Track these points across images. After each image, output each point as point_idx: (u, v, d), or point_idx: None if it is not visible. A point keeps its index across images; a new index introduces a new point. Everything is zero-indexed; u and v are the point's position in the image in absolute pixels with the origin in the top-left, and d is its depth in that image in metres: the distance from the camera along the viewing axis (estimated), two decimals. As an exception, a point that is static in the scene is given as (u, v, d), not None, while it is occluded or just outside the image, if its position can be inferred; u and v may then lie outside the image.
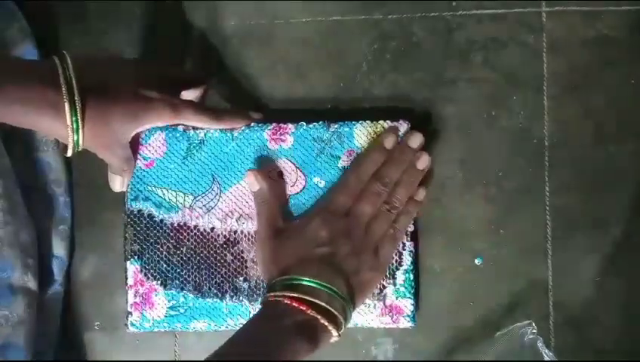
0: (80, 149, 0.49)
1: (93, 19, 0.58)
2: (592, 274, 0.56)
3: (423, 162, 0.53)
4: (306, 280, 0.47)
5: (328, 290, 0.47)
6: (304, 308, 0.45)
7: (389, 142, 0.53)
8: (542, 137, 0.57)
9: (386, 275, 0.54)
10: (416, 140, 0.53)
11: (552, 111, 0.57)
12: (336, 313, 0.46)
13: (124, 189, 0.55)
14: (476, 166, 0.57)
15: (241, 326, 0.46)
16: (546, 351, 0.53)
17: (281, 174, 0.54)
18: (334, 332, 0.46)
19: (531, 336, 0.54)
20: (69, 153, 0.49)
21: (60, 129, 0.47)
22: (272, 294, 0.47)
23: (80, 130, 0.47)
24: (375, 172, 0.52)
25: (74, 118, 0.46)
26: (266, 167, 0.54)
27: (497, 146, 0.57)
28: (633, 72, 0.56)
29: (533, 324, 0.54)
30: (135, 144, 0.54)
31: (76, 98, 0.46)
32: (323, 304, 0.46)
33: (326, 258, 0.48)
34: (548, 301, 0.56)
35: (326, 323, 0.46)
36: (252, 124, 0.55)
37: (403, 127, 0.55)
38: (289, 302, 0.46)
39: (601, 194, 0.56)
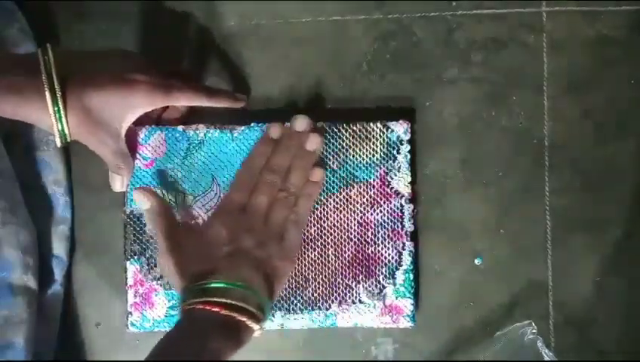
0: (69, 139, 0.49)
1: (93, 20, 0.58)
2: (592, 274, 0.56)
3: (312, 143, 0.53)
4: (214, 283, 0.46)
5: (238, 287, 0.46)
6: (217, 309, 0.45)
7: (275, 132, 0.53)
8: (542, 137, 0.57)
9: (385, 275, 0.54)
10: (301, 123, 0.53)
11: (552, 111, 0.57)
12: (250, 307, 0.46)
13: (125, 189, 0.55)
14: (476, 166, 0.57)
15: (161, 338, 0.46)
16: (546, 351, 0.53)
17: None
18: (254, 326, 0.46)
19: (531, 336, 0.54)
20: (58, 143, 0.49)
21: (45, 118, 0.48)
22: (185, 303, 0.46)
23: (63, 118, 0.48)
24: (265, 163, 0.52)
25: (55, 107, 0.47)
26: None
27: (497, 146, 0.57)
28: (633, 72, 0.56)
29: (533, 324, 0.54)
30: (134, 144, 0.54)
31: (56, 86, 0.47)
32: (234, 302, 0.46)
33: (231, 256, 0.48)
34: (548, 301, 0.56)
35: (243, 319, 0.46)
36: (252, 124, 0.55)
37: (403, 127, 0.55)
38: (202, 307, 0.45)
39: (601, 194, 0.56)
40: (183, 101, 0.53)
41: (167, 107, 0.56)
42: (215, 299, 0.46)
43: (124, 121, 0.51)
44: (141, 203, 0.51)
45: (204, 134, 0.55)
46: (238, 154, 0.55)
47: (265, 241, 0.50)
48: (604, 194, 0.56)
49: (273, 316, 0.54)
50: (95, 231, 0.58)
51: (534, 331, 0.53)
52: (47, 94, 0.47)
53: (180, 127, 0.55)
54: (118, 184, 0.54)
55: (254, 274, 0.48)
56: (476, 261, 0.57)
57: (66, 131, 0.49)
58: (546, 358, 0.53)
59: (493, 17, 0.57)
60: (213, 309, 0.45)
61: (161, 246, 0.50)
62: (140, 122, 0.54)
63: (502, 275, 0.56)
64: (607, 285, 0.56)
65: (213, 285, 0.46)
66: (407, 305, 0.54)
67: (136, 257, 0.55)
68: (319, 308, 0.54)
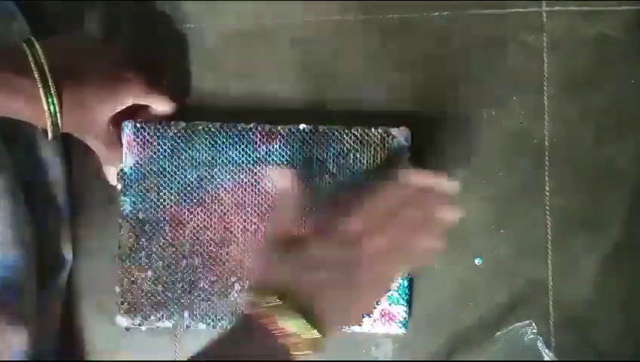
0: (60, 132, 0.50)
1: (92, 20, 0.58)
2: (592, 274, 0.56)
3: (450, 215, 0.47)
4: (285, 308, 0.41)
5: (304, 323, 0.41)
6: (280, 333, 0.41)
7: (417, 182, 0.47)
8: (542, 137, 0.57)
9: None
10: (449, 187, 0.48)
11: (552, 111, 0.57)
12: (311, 337, 0.41)
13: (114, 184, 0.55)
14: (476, 166, 0.57)
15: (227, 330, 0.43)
16: (546, 351, 0.53)
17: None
18: (305, 353, 0.42)
19: (531, 336, 0.54)
20: (50, 137, 0.50)
21: (37, 114, 0.48)
22: (256, 309, 0.42)
23: (58, 114, 0.48)
24: (395, 210, 0.46)
25: (52, 105, 0.48)
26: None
27: (497, 146, 0.57)
28: (633, 72, 0.56)
29: (533, 324, 0.54)
30: (119, 135, 0.55)
31: (50, 84, 0.47)
32: (299, 334, 0.41)
33: (313, 289, 0.43)
34: (548, 301, 0.56)
35: (296, 350, 0.42)
36: (251, 124, 0.55)
37: (404, 133, 0.55)
38: (268, 322, 0.41)
39: (601, 194, 0.56)
40: (160, 104, 0.54)
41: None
42: (284, 324, 0.41)
43: (110, 111, 0.52)
44: (283, 182, 0.47)
45: (193, 133, 0.55)
46: (225, 154, 0.55)
47: (351, 291, 0.44)
48: (604, 194, 0.56)
49: None
50: (95, 231, 0.58)
51: (534, 331, 0.53)
52: (42, 91, 0.47)
53: (173, 128, 0.55)
54: (114, 176, 0.55)
55: (318, 316, 0.42)
56: (476, 261, 0.57)
57: (60, 125, 0.49)
58: (546, 358, 0.53)
59: (493, 17, 0.57)
60: (268, 322, 0.41)
61: (267, 237, 0.48)
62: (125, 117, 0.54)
63: (502, 275, 0.56)
64: (607, 285, 0.56)
65: (285, 309, 0.42)
66: (400, 311, 0.54)
67: (132, 255, 0.55)
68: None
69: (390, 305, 0.54)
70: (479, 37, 0.57)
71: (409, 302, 0.55)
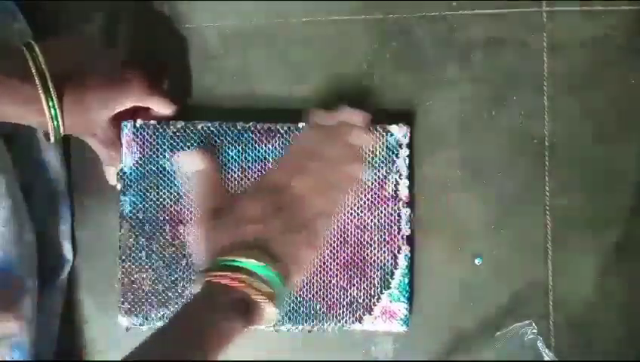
0: (62, 135, 0.50)
1: (92, 20, 0.58)
2: (592, 274, 0.56)
3: (361, 138, 0.51)
4: (236, 261, 0.45)
5: (258, 268, 0.45)
6: (235, 285, 0.44)
7: (327, 121, 0.52)
8: (542, 137, 0.57)
9: (380, 278, 0.54)
10: (356, 118, 0.52)
11: (552, 111, 0.57)
12: (267, 289, 0.45)
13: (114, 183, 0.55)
14: (476, 166, 0.57)
15: (178, 309, 0.45)
16: (546, 351, 0.53)
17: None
18: (267, 309, 0.45)
19: (531, 336, 0.53)
20: (52, 140, 0.50)
21: (39, 118, 0.48)
22: (205, 275, 0.45)
23: (59, 117, 0.49)
24: (312, 149, 0.50)
25: (52, 108, 0.48)
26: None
27: (497, 146, 0.57)
28: (633, 72, 0.56)
29: (534, 324, 0.54)
30: (118, 135, 0.55)
31: (50, 88, 0.47)
32: (253, 280, 0.44)
33: (259, 235, 0.46)
34: (548, 301, 0.56)
35: (259, 299, 0.45)
36: (250, 123, 0.55)
37: (402, 131, 0.55)
38: (220, 281, 0.44)
39: (601, 194, 0.56)
40: (160, 106, 0.54)
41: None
42: (235, 275, 0.44)
43: (110, 112, 0.52)
44: (195, 163, 0.49)
45: (192, 132, 0.55)
46: (225, 153, 0.55)
47: (293, 225, 0.48)
48: (604, 194, 0.56)
49: None
50: (95, 231, 0.58)
51: (534, 331, 0.53)
52: (42, 96, 0.47)
53: (172, 128, 0.55)
54: (113, 176, 0.55)
55: (276, 257, 0.46)
56: (476, 261, 0.57)
57: (61, 128, 0.49)
58: (546, 358, 0.53)
59: (493, 17, 0.57)
60: (232, 284, 0.44)
61: (200, 211, 0.49)
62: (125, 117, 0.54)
63: (502, 275, 0.56)
64: (607, 285, 0.56)
65: (234, 263, 0.45)
66: (401, 309, 0.54)
67: (132, 255, 0.55)
68: (312, 309, 0.54)
69: (391, 302, 0.54)
70: (479, 37, 0.57)
71: (410, 300, 0.55)
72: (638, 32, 0.56)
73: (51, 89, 0.47)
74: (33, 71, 0.47)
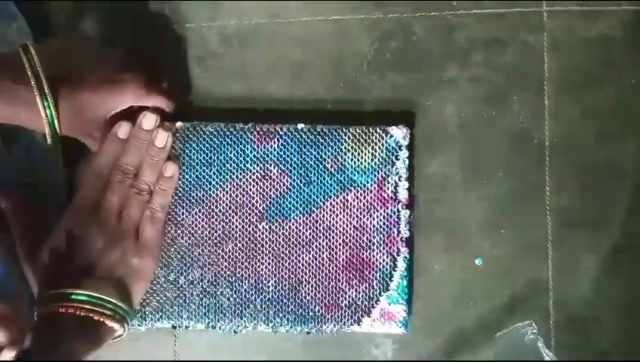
0: (59, 136, 0.50)
1: (92, 20, 0.58)
2: (592, 274, 0.56)
3: (161, 140, 0.53)
4: (68, 293, 0.47)
5: (90, 298, 0.48)
6: (72, 311, 0.47)
7: (123, 132, 0.52)
8: (542, 137, 0.57)
9: (379, 280, 0.54)
10: (149, 122, 0.53)
11: (552, 111, 0.57)
12: (106, 311, 0.48)
13: None
14: (476, 166, 0.57)
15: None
16: (546, 351, 0.53)
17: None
18: (115, 326, 0.48)
19: (531, 336, 0.54)
20: (49, 142, 0.49)
21: (35, 120, 0.48)
22: (42, 308, 0.48)
23: (55, 120, 0.48)
24: (116, 162, 0.52)
25: (47, 109, 0.48)
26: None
27: (497, 146, 0.57)
28: (633, 72, 0.56)
29: (534, 324, 0.54)
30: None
31: (46, 90, 0.47)
32: (95, 309, 0.48)
33: (85, 258, 0.49)
34: (548, 301, 0.56)
35: (101, 319, 0.48)
36: (239, 124, 0.55)
37: (402, 132, 0.55)
38: (58, 310, 0.47)
39: (601, 194, 0.56)
40: (159, 103, 0.54)
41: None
42: (72, 305, 0.47)
43: (109, 114, 0.52)
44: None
45: (189, 131, 0.55)
46: (223, 153, 0.55)
47: (118, 240, 0.50)
48: (604, 194, 0.56)
49: (267, 317, 0.54)
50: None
51: (534, 331, 0.54)
52: (38, 98, 0.47)
53: (179, 123, 0.55)
54: None
55: (108, 279, 0.49)
56: (476, 261, 0.57)
57: (58, 130, 0.49)
58: (547, 358, 0.53)
59: (493, 17, 0.57)
60: (69, 311, 0.47)
61: (19, 248, 0.51)
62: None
63: (502, 275, 0.56)
64: (607, 285, 0.56)
65: (73, 296, 0.47)
66: (400, 311, 0.54)
67: None
68: (311, 310, 0.54)
69: (390, 304, 0.54)
70: (479, 37, 0.57)
71: (409, 302, 0.55)
72: (638, 32, 0.56)
73: (47, 91, 0.47)
74: (29, 73, 0.47)
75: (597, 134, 0.56)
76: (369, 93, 0.57)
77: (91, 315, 0.47)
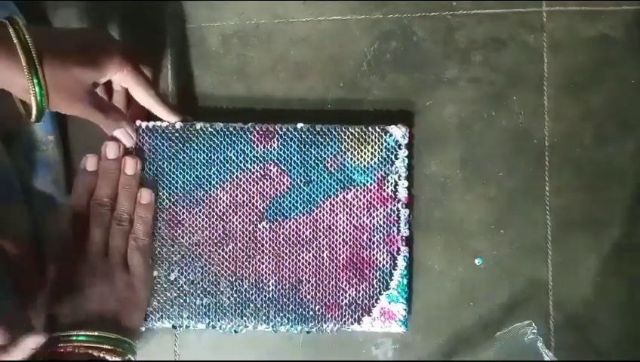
0: (49, 107, 0.48)
1: (92, 20, 0.58)
2: (592, 274, 0.56)
3: (130, 167, 0.53)
4: (73, 336, 0.49)
5: (93, 338, 0.49)
6: (71, 350, 0.48)
7: (90, 164, 0.53)
8: (542, 137, 0.57)
9: (379, 279, 0.54)
10: (111, 151, 0.53)
11: (552, 111, 0.57)
12: (105, 346, 0.49)
13: (134, 142, 0.54)
14: (476, 166, 0.57)
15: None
16: (546, 351, 0.53)
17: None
18: (117, 359, 0.49)
19: (531, 336, 0.54)
20: (34, 117, 0.48)
21: (23, 86, 0.46)
22: (50, 348, 0.48)
23: (44, 96, 0.47)
24: (89, 196, 0.53)
25: (37, 87, 0.46)
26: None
27: (497, 146, 0.57)
28: (633, 72, 0.56)
29: (534, 324, 0.54)
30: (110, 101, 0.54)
31: (35, 57, 0.45)
32: (95, 346, 0.49)
33: (79, 297, 0.50)
34: (548, 301, 0.56)
35: (101, 355, 0.49)
36: (249, 124, 0.55)
37: (401, 131, 0.55)
38: (62, 351, 0.48)
39: (601, 194, 0.56)
40: (140, 91, 0.53)
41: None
42: (72, 345, 0.48)
43: (98, 79, 0.50)
44: None
45: (190, 132, 0.55)
46: (223, 154, 0.55)
47: (109, 274, 0.51)
48: (604, 194, 0.56)
49: (267, 316, 0.54)
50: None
51: (534, 331, 0.53)
52: (25, 67, 0.45)
53: (164, 123, 0.55)
54: (126, 138, 0.54)
55: (104, 314, 0.50)
56: (476, 261, 0.57)
57: (44, 105, 0.47)
58: (546, 358, 0.53)
59: (493, 17, 0.57)
60: (68, 350, 0.48)
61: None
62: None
63: (502, 275, 0.56)
64: (607, 285, 0.56)
65: (69, 337, 0.48)
66: (400, 310, 0.54)
67: None
68: (311, 309, 0.54)
69: (390, 303, 0.54)
70: (479, 37, 0.57)
71: (408, 301, 0.55)
72: (638, 32, 0.56)
73: (35, 59, 0.46)
74: (17, 45, 0.45)
75: (597, 134, 0.56)
76: (369, 93, 0.57)
77: (90, 352, 0.48)
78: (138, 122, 0.55)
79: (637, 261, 0.56)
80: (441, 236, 0.57)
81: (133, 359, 0.51)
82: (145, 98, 0.53)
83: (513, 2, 0.57)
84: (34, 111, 0.47)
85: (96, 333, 0.49)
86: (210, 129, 0.55)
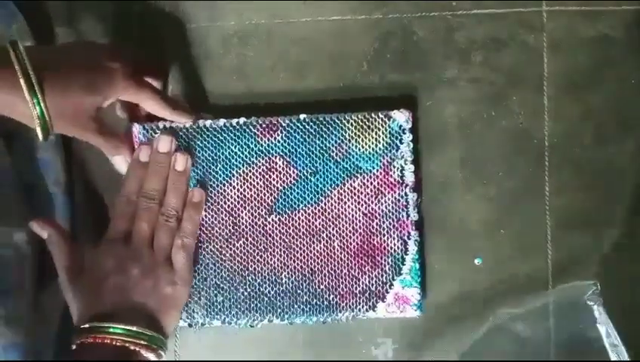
0: (52, 132, 0.48)
1: (92, 20, 0.58)
2: (592, 274, 0.56)
3: (180, 163, 0.53)
4: (110, 327, 0.48)
5: (125, 331, 0.48)
6: (109, 342, 0.47)
7: (144, 156, 0.54)
8: (542, 137, 0.57)
9: (391, 265, 0.54)
10: (164, 144, 0.54)
11: (552, 111, 0.57)
12: (141, 341, 0.48)
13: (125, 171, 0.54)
14: (476, 166, 0.57)
15: None
16: (602, 313, 0.52)
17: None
18: (150, 356, 0.49)
19: (591, 297, 0.52)
20: (41, 138, 0.48)
21: (26, 113, 0.46)
22: (79, 338, 0.48)
23: (45, 116, 0.47)
24: (140, 188, 0.53)
25: (37, 107, 0.46)
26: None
27: (497, 146, 0.57)
28: (633, 72, 0.56)
29: (598, 285, 0.53)
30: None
31: (35, 86, 0.45)
32: (131, 339, 0.48)
33: (119, 288, 0.50)
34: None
35: (137, 349, 0.48)
36: (242, 119, 0.55)
37: (404, 115, 0.54)
38: (94, 341, 0.47)
39: (601, 194, 0.56)
40: (149, 104, 0.53)
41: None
42: (108, 336, 0.48)
43: (100, 103, 0.50)
44: (39, 233, 0.52)
45: (194, 128, 0.55)
46: (228, 149, 0.55)
47: (153, 268, 0.51)
48: (604, 194, 0.56)
49: (282, 309, 0.55)
50: (95, 231, 0.58)
51: (597, 291, 0.53)
52: (26, 93, 0.45)
53: (167, 123, 0.55)
54: (124, 164, 0.54)
55: (142, 309, 0.50)
56: (476, 261, 0.57)
57: (48, 126, 0.47)
58: (599, 321, 0.51)
59: (493, 17, 0.57)
60: (106, 342, 0.47)
61: (60, 277, 0.51)
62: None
63: (502, 275, 0.56)
64: (607, 285, 0.56)
65: (111, 330, 0.48)
66: (414, 294, 0.54)
67: None
68: (326, 299, 0.54)
69: (403, 288, 0.54)
70: (479, 37, 0.57)
71: (422, 284, 0.55)
72: (638, 32, 0.56)
73: (36, 88, 0.46)
74: (17, 70, 0.45)
75: (597, 134, 0.56)
76: (369, 94, 0.57)
77: (127, 345, 0.48)
78: (145, 123, 0.55)
79: (637, 261, 0.56)
80: (441, 236, 0.57)
81: (163, 357, 0.50)
82: (155, 109, 0.53)
83: (513, 2, 0.57)
84: (40, 137, 0.48)
85: (134, 328, 0.48)
86: (213, 125, 0.55)
